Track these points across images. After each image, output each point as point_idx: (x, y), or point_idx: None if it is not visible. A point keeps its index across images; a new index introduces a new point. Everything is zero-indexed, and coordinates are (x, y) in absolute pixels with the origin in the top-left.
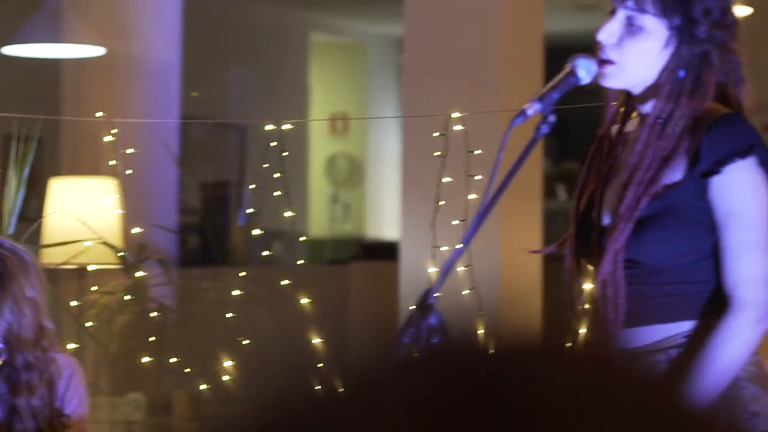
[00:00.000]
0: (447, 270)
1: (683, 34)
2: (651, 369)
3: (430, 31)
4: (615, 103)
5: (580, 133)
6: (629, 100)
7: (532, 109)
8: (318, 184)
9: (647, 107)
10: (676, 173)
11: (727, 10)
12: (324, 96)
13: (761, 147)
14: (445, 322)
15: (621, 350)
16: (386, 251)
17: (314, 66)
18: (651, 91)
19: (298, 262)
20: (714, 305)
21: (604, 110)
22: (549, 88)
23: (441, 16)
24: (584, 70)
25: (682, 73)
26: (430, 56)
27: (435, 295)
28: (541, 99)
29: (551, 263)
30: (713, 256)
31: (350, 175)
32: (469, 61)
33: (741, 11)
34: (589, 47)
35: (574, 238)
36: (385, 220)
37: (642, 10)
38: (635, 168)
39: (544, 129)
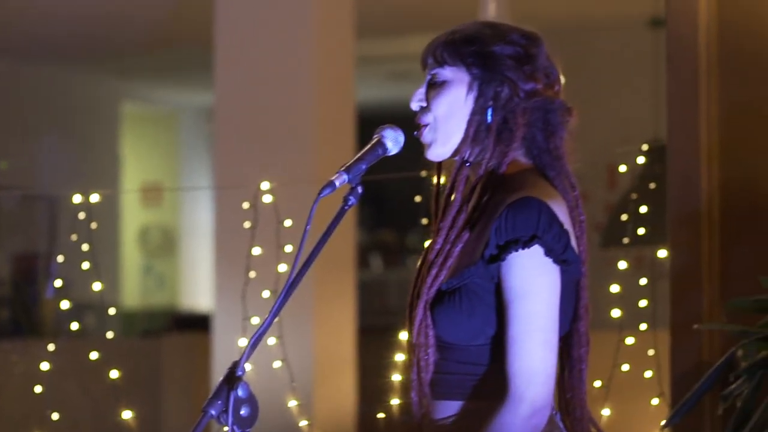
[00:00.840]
0: (255, 342)
1: (484, 74)
2: None
3: (241, 100)
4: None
5: (395, 202)
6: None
7: (340, 180)
8: (131, 255)
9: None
10: (475, 253)
11: (528, 51)
12: (136, 166)
13: (549, 236)
14: (253, 394)
15: (427, 421)
16: (199, 323)
17: (126, 136)
18: (460, 142)
19: (108, 335)
20: (496, 389)
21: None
22: (356, 159)
23: (251, 85)
24: (391, 140)
25: (489, 114)
26: (241, 126)
27: (244, 366)
28: (348, 170)
29: (365, 334)
30: (501, 341)
31: (163, 245)
32: (281, 131)
33: None
34: (402, 115)
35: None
36: (200, 291)
37: (441, 64)
38: (449, 208)
39: (352, 200)
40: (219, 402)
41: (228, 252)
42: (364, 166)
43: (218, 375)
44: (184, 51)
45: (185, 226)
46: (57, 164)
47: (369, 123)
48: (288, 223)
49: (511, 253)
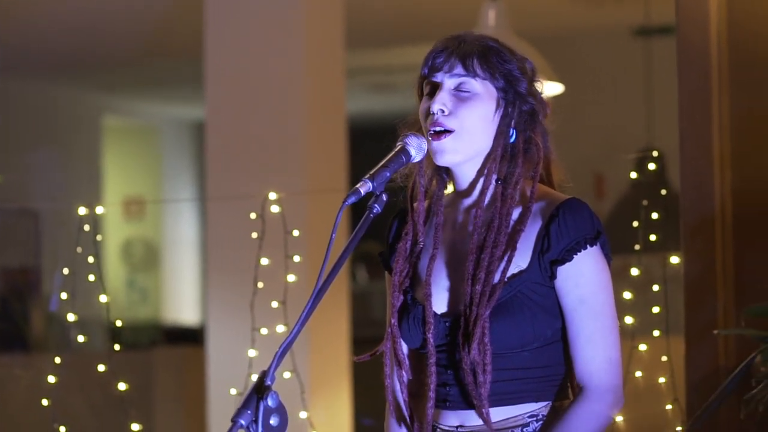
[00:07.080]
0: (284, 351)
1: (509, 93)
2: None
3: (232, 112)
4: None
5: (380, 212)
6: (440, 175)
7: (365, 187)
8: (114, 269)
9: (477, 176)
10: (521, 260)
11: (535, 74)
12: (118, 179)
13: (603, 232)
14: (282, 404)
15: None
16: (188, 336)
17: (108, 149)
18: (485, 159)
19: (115, 348)
20: (560, 389)
21: (414, 185)
22: (380, 167)
23: (243, 97)
24: (415, 148)
25: (513, 134)
26: (233, 138)
27: (273, 375)
28: (372, 178)
29: (359, 347)
30: (558, 341)
31: (146, 259)
32: (273, 143)
33: (553, 89)
34: (387, 126)
35: (397, 326)
36: (184, 305)
37: (473, 75)
38: (482, 247)
39: (377, 208)
40: (248, 412)
41: (222, 264)
42: (388, 174)
43: (215, 387)
44: (166, 64)
45: (168, 239)
46: (41, 178)
47: (355, 134)
48: (296, 233)
49: (579, 252)
